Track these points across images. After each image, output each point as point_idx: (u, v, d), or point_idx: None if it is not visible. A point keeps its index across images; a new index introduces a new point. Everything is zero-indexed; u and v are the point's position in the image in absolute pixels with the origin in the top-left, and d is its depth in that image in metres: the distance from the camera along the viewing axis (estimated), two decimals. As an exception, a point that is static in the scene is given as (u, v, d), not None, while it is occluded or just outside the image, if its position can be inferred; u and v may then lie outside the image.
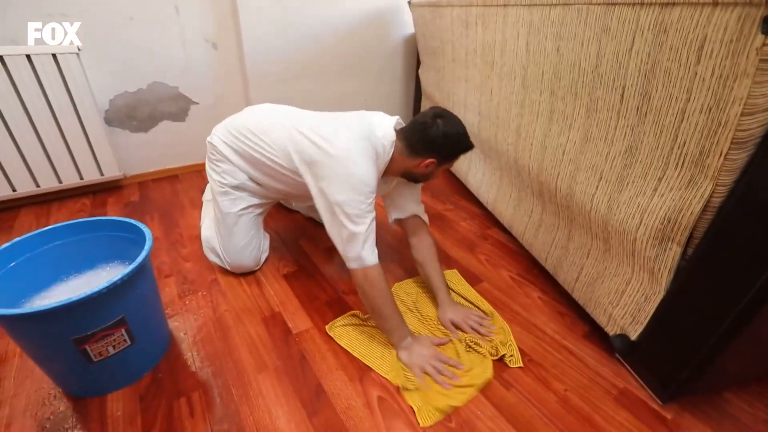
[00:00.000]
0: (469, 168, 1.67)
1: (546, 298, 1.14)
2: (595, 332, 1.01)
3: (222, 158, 1.08)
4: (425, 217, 1.14)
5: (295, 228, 1.44)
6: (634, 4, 0.72)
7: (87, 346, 0.72)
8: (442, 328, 1.01)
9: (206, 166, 1.14)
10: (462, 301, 1.11)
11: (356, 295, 1.11)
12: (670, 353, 0.81)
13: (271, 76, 1.82)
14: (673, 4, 0.65)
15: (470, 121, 1.51)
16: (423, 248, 1.09)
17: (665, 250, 0.78)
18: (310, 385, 0.85)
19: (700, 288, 0.73)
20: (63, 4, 1.37)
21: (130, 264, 0.85)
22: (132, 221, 0.87)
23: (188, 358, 0.90)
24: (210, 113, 1.79)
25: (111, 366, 0.78)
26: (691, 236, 0.74)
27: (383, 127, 0.97)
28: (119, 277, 0.70)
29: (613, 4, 0.76)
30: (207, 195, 1.38)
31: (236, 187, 1.08)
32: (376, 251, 0.90)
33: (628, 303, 0.89)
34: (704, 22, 0.61)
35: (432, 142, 0.94)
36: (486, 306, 1.09)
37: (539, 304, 1.11)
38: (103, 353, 0.74)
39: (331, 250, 1.31)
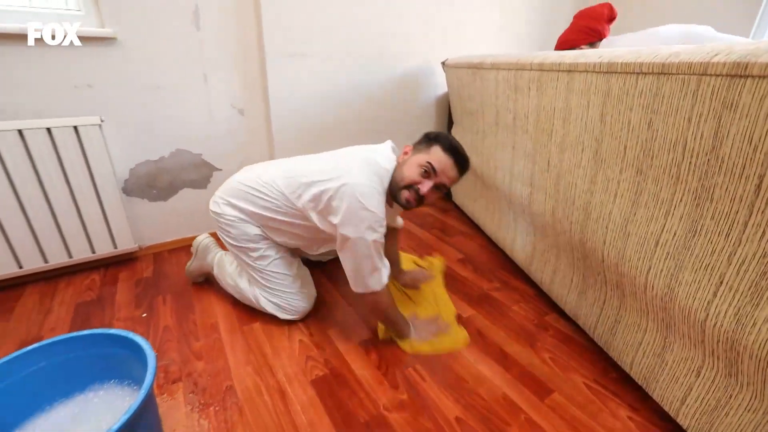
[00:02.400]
0: (514, 240, 1.49)
1: (639, 419, 0.90)
2: (719, 478, 0.76)
3: (233, 221, 1.12)
4: (401, 223, 1.37)
5: (325, 312, 1.26)
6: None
7: None
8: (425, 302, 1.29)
9: (221, 237, 1.18)
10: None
11: (401, 412, 0.90)
12: None
13: (299, 141, 1.73)
14: None
15: (518, 191, 1.36)
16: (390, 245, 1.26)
17: (842, 395, 0.57)
18: None
19: None
20: (91, 74, 1.32)
21: (128, 385, 0.68)
22: (131, 336, 0.70)
23: None
24: (233, 179, 1.70)
25: None
26: None
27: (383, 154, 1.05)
28: (116, 427, 0.52)
29: (743, 76, 0.61)
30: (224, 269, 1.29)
31: (257, 240, 1.13)
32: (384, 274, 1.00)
33: (778, 454, 0.66)
34: None
35: (436, 137, 1.09)
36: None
37: (633, 429, 0.88)
38: None
39: (367, 344, 1.12)
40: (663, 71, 0.73)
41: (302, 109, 1.71)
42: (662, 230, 0.81)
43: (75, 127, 1.27)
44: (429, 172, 0.97)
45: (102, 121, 1.32)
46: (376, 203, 0.94)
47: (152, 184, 1.53)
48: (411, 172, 0.98)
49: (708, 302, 0.73)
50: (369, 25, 1.76)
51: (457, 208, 2.12)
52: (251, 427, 0.86)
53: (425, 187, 0.97)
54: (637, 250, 0.87)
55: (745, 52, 0.60)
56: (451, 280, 1.45)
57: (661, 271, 0.82)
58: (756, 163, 0.61)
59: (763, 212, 0.62)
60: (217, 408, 0.91)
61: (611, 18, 1.47)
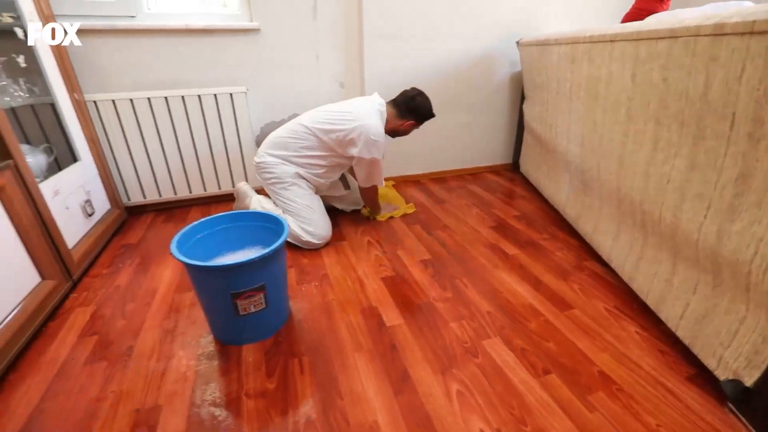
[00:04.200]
0: (567, 199, 1.66)
1: (645, 334, 1.08)
2: (703, 376, 0.93)
3: (275, 164, 1.54)
4: None
5: (395, 240, 1.61)
6: (743, 34, 0.74)
7: (238, 301, 0.95)
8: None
9: (265, 180, 1.58)
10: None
11: (445, 303, 1.21)
12: (793, 403, 0.72)
13: (385, 110, 2.09)
14: (786, 32, 0.66)
15: (573, 152, 1.53)
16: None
17: (786, 286, 0.72)
18: (398, 369, 0.96)
19: (829, 329, 0.66)
20: (242, 55, 1.83)
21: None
22: (276, 215, 1.12)
23: (301, 330, 1.10)
24: (332, 140, 2.13)
25: (250, 322, 1.01)
26: (817, 271, 0.68)
27: (378, 100, 1.59)
28: (267, 251, 0.93)
29: (721, 35, 0.78)
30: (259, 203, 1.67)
31: (296, 178, 1.56)
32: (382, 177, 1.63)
33: (742, 344, 0.82)
34: (820, 48, 0.61)
35: (416, 110, 1.60)
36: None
37: (636, 339, 1.06)
38: (246, 309, 0.98)
39: (426, 263, 1.43)
40: (672, 35, 0.90)
41: (391, 83, 2.05)
42: (672, 169, 0.97)
43: (230, 94, 1.79)
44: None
45: (247, 90, 1.82)
46: (382, 137, 1.52)
47: (275, 140, 2.03)
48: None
49: (700, 224, 0.89)
50: (454, 9, 2.02)
51: (523, 178, 2.29)
52: (338, 295, 1.25)
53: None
54: (655, 188, 1.04)
55: (725, 15, 0.77)
56: (505, 230, 1.69)
57: (671, 204, 0.98)
58: (730, 103, 0.78)
59: (736, 143, 0.79)
60: (315, 283, 1.32)
61: None
